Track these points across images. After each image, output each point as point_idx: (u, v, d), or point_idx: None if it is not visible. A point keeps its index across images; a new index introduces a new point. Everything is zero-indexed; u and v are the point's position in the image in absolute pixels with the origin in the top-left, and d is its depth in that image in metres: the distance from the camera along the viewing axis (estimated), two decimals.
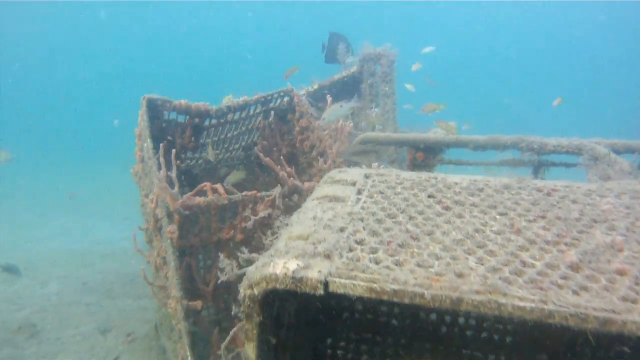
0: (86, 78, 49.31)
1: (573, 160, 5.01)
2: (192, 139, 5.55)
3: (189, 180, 6.40)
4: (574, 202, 3.07)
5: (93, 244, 10.02)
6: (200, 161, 6.41)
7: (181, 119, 5.51)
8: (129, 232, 11.42)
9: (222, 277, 3.36)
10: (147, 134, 4.86)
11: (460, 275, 2.23)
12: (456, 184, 3.37)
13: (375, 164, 4.99)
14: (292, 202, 4.87)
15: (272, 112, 5.93)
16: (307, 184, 4.91)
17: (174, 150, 4.49)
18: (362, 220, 2.76)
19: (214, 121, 5.59)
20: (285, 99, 5.78)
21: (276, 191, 4.80)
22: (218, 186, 4.60)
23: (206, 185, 4.58)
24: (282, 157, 4.94)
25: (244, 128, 6.05)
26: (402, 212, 2.88)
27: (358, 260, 2.31)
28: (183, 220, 4.43)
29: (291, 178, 4.74)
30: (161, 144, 4.44)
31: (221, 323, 4.83)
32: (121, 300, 6.72)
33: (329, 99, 5.80)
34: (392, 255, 2.38)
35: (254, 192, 4.70)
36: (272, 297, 2.48)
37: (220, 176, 6.63)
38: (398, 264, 2.31)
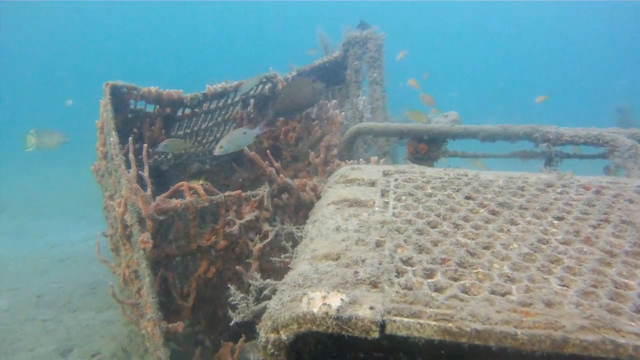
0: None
1: (588, 152, 4.61)
2: (163, 131, 4.86)
3: (156, 177, 5.68)
4: (630, 201, 2.63)
5: (47, 247, 9.08)
6: (170, 156, 5.72)
7: (150, 108, 4.82)
8: (87, 233, 10.58)
9: (236, 318, 2.74)
10: (111, 127, 4.17)
11: (550, 305, 1.72)
12: (491, 181, 2.88)
13: (374, 158, 4.46)
14: (281, 202, 4.28)
15: (252, 101, 5.29)
16: (297, 181, 4.33)
17: (145, 146, 3.82)
18: (399, 231, 2.22)
19: (187, 111, 4.92)
20: (268, 85, 5.16)
21: (263, 190, 4.20)
22: (197, 186, 3.97)
23: (183, 185, 3.94)
24: (268, 151, 4.33)
25: (219, 119, 5.40)
26: (444, 219, 2.36)
27: (414, 288, 1.77)
28: (157, 227, 3.78)
29: (281, 175, 4.14)
30: (130, 139, 3.76)
31: (203, 342, 4.21)
32: (82, 313, 5.97)
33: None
34: (455, 279, 1.84)
35: (238, 191, 4.09)
36: (303, 341, 1.90)
37: (192, 172, 5.97)
38: (467, 291, 1.78)
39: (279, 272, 4.15)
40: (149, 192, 3.74)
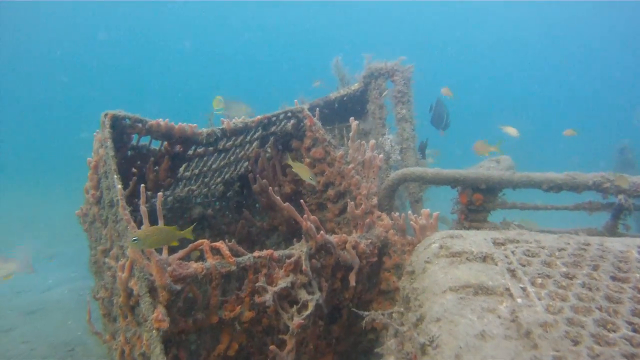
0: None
1: None
2: (168, 172, 4.09)
3: (152, 223, 4.88)
4: None
5: (11, 295, 8.03)
6: (169, 198, 4.94)
7: (154, 143, 4.07)
8: (58, 276, 9.51)
9: None
10: (112, 168, 3.40)
11: None
12: (623, 253, 2.24)
13: (426, 211, 3.77)
14: (318, 263, 3.54)
15: (272, 138, 4.58)
16: (336, 238, 3.60)
17: (160, 195, 3.05)
18: (569, 337, 1.55)
19: (200, 149, 4.16)
20: (292, 121, 4.46)
21: (299, 250, 3.46)
22: (220, 244, 3.19)
23: (203, 243, 3.17)
24: (302, 202, 3.60)
25: (232, 157, 4.65)
26: (610, 314, 1.70)
27: None
28: (173, 299, 2.99)
29: (321, 231, 3.41)
30: (142, 186, 2.98)
31: None
32: None
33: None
34: None
35: (269, 251, 3.33)
36: None
37: (193, 218, 5.17)
38: None
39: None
40: (164, 255, 2.96)
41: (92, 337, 5.98)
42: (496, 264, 2.11)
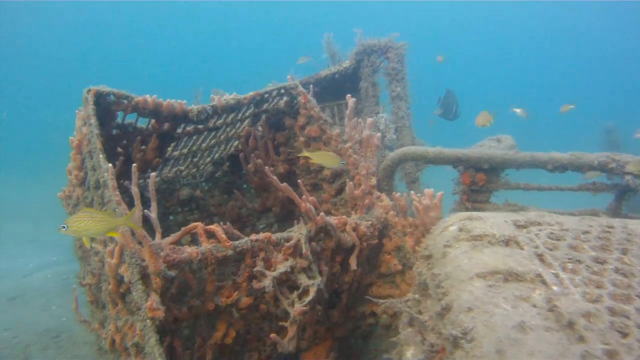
0: None
1: None
2: (156, 151, 3.87)
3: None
4: None
5: None
6: (157, 179, 4.73)
7: (141, 122, 3.85)
8: (39, 261, 9.21)
9: None
10: (98, 147, 3.18)
11: None
12: None
13: (429, 191, 3.63)
14: (318, 247, 3.38)
15: (264, 116, 4.38)
16: (335, 219, 3.44)
17: (152, 175, 2.84)
18: (615, 328, 1.43)
19: (189, 127, 3.95)
20: (285, 99, 4.26)
21: (297, 232, 3.30)
22: (215, 227, 3.01)
23: (197, 226, 2.98)
24: (300, 182, 3.43)
25: (222, 136, 4.45)
26: None
27: None
28: (167, 286, 2.81)
29: (321, 213, 3.25)
30: (133, 166, 2.78)
31: None
32: None
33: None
34: None
35: (267, 234, 3.17)
36: None
37: (181, 199, 4.97)
38: None
39: None
40: (157, 239, 2.78)
41: (78, 323, 5.81)
42: (522, 248, 1.98)
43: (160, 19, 52.66)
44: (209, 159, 4.76)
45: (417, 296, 2.30)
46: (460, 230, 2.17)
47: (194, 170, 4.85)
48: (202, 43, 54.35)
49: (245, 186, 5.16)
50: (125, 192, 3.61)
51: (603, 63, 51.44)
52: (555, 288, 1.67)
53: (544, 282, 1.72)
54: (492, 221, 2.23)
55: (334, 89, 5.95)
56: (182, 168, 4.67)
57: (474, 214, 2.33)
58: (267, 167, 3.44)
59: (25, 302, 6.57)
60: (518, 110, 7.06)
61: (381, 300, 2.51)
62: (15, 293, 6.91)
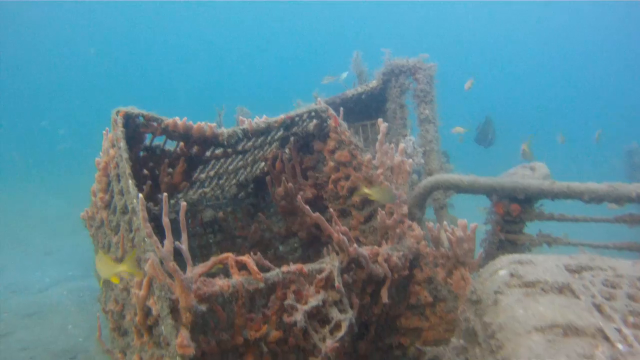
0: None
1: None
2: (184, 175, 3.80)
3: (159, 227, 4.59)
4: None
5: (7, 293, 7.70)
6: (180, 201, 4.64)
7: (168, 143, 3.78)
8: (56, 274, 9.15)
9: None
10: (127, 172, 3.12)
11: None
12: None
13: (462, 221, 3.51)
14: (349, 278, 3.27)
15: (292, 139, 4.30)
16: (367, 250, 3.33)
17: (184, 205, 2.75)
18: None
19: (218, 150, 3.88)
20: (314, 121, 4.18)
21: (329, 264, 3.19)
22: (247, 259, 2.92)
23: (228, 256, 2.89)
24: (332, 211, 3.34)
25: (250, 158, 4.37)
26: None
27: None
28: (198, 321, 2.71)
29: (354, 244, 3.14)
30: (164, 195, 2.70)
31: None
32: None
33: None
34: None
35: (299, 266, 3.06)
36: None
37: (205, 221, 4.89)
38: None
39: None
40: (188, 272, 2.68)
41: (95, 343, 5.72)
42: (578, 297, 1.86)
43: (182, 36, 53.17)
44: (234, 180, 4.68)
45: (462, 342, 2.19)
46: (512, 275, 2.06)
47: (219, 192, 4.77)
48: (221, 57, 54.79)
49: (268, 208, 5.08)
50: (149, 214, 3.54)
51: (623, 81, 50.96)
52: (620, 346, 1.56)
53: (606, 338, 1.61)
54: (544, 266, 2.11)
55: (359, 108, 5.87)
56: (207, 190, 4.59)
57: (524, 257, 2.22)
58: (299, 195, 3.34)
59: (41, 319, 6.51)
60: (560, 139, 6.98)
61: (427, 348, 2.39)
62: (32, 309, 6.85)
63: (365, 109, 5.85)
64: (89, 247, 4.37)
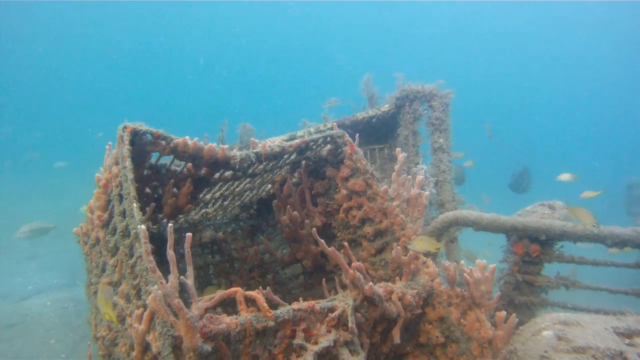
0: None
1: None
2: (189, 197, 3.59)
3: (159, 246, 4.37)
4: None
5: None
6: (180, 220, 4.44)
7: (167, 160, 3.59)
8: (39, 282, 8.84)
9: None
10: (132, 194, 2.91)
11: None
12: None
13: (481, 262, 3.34)
14: (362, 318, 3.07)
15: (303, 163, 4.12)
16: (381, 288, 3.15)
17: (189, 236, 2.54)
18: None
19: (227, 172, 3.68)
20: (328, 146, 4.00)
21: (342, 301, 3.00)
22: (256, 295, 2.71)
23: (237, 291, 2.69)
24: (344, 244, 3.15)
25: (258, 181, 4.18)
26: None
27: None
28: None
29: (370, 283, 2.95)
30: (169, 226, 2.49)
31: None
32: None
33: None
34: None
35: (310, 303, 2.87)
36: None
37: (204, 242, 4.68)
38: None
39: None
40: (193, 309, 2.47)
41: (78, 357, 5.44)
42: None
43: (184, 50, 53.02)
44: (238, 202, 4.48)
45: None
46: (559, 338, 1.88)
47: (221, 212, 4.56)
48: (223, 70, 54.68)
49: (270, 231, 4.88)
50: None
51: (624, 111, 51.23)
52: None
53: None
54: (593, 329, 1.94)
55: (368, 132, 5.71)
56: (210, 211, 4.38)
57: (569, 318, 2.04)
58: (314, 229, 3.14)
59: (23, 331, 6.22)
60: (565, 177, 6.97)
61: None
62: (13, 320, 6.56)
63: (374, 132, 5.69)
64: (75, 253, 4.15)
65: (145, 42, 51.32)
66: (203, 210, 4.36)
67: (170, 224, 2.59)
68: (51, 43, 47.52)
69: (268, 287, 3.12)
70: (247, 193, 4.38)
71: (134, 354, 2.69)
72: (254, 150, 3.44)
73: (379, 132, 5.69)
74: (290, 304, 2.96)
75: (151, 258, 2.52)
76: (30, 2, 41.40)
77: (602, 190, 7.31)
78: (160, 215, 3.97)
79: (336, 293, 3.51)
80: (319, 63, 54.82)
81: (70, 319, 6.70)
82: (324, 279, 3.84)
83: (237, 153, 3.36)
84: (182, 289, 2.55)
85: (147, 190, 3.70)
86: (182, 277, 2.57)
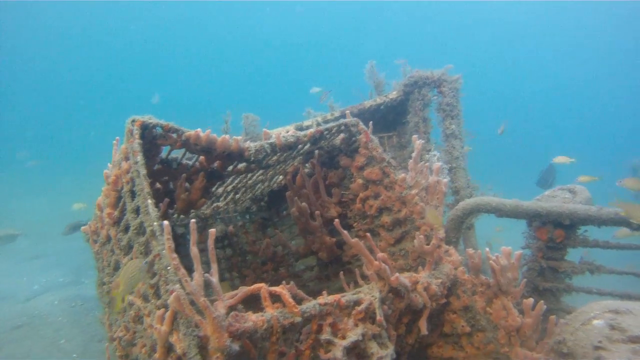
0: None
1: None
2: (202, 191, 3.48)
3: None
4: None
5: None
6: (191, 215, 4.34)
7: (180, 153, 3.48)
8: (45, 281, 8.72)
9: None
10: (145, 190, 2.80)
11: None
12: None
13: (507, 249, 3.25)
14: (389, 310, 2.99)
15: (317, 152, 4.01)
16: (407, 277, 3.06)
17: (212, 232, 2.44)
18: None
19: (241, 165, 3.57)
20: (342, 135, 3.90)
21: (369, 293, 2.90)
22: (281, 290, 2.62)
23: (261, 287, 2.60)
24: (367, 235, 3.05)
25: (270, 173, 4.07)
26: None
27: None
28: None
29: (396, 274, 2.86)
30: (192, 222, 2.39)
31: None
32: None
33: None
34: None
35: (336, 297, 2.78)
36: None
37: (215, 236, 4.56)
38: None
39: None
40: (219, 306, 2.38)
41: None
42: None
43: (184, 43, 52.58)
44: (249, 195, 4.38)
45: None
46: (613, 328, 1.79)
47: (232, 206, 4.46)
48: (225, 62, 54.31)
49: (282, 223, 4.78)
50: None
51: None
52: None
53: None
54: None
55: (376, 120, 5.59)
56: (221, 204, 4.28)
57: (621, 306, 1.95)
58: (336, 221, 3.04)
59: (31, 331, 6.11)
60: (561, 159, 6.97)
61: None
62: (20, 320, 6.45)
63: (382, 120, 5.58)
64: (80, 250, 4.04)
65: (147, 39, 51.06)
66: (214, 204, 4.25)
67: (192, 220, 2.49)
68: (47, 42, 47.22)
69: (291, 282, 3.03)
70: (259, 185, 4.27)
71: (156, 355, 2.60)
72: (269, 141, 3.33)
73: (386, 120, 5.58)
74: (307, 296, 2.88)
75: (175, 255, 2.43)
76: (30, 2, 41.11)
77: (598, 177, 7.26)
78: (170, 211, 3.87)
79: (355, 285, 3.44)
80: (322, 53, 54.55)
81: (78, 318, 6.60)
82: (341, 272, 3.76)
83: (251, 144, 3.25)
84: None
85: (158, 185, 3.60)
86: (206, 274, 2.48)
